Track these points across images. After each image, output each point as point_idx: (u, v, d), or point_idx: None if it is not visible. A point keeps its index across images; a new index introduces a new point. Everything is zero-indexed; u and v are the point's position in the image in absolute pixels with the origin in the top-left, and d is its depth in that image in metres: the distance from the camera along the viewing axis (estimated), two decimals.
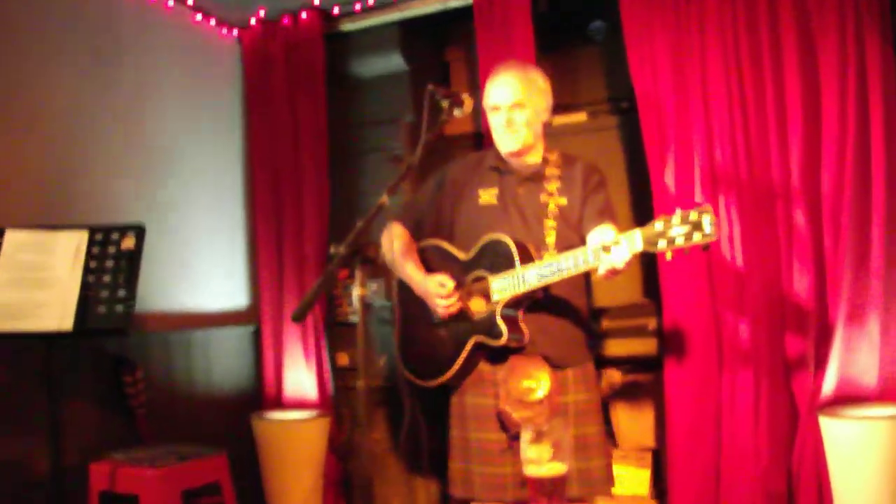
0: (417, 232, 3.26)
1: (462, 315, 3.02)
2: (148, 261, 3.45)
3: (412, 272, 3.14)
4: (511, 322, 2.91)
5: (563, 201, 3.02)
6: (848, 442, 3.20)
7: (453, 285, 2.99)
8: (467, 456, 3.05)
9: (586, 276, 3.13)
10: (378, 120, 4.69)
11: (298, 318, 2.22)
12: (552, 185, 3.04)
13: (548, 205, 3.01)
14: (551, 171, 3.07)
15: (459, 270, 3.07)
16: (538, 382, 2.88)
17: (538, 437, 1.91)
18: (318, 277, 3.60)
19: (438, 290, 2.99)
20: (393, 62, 4.64)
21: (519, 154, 3.06)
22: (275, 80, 4.68)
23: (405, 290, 3.22)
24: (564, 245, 2.92)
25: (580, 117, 4.54)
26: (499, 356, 2.99)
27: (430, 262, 3.18)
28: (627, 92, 4.09)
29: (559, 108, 4.70)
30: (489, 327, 2.92)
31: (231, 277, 4.73)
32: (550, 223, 2.98)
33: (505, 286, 2.89)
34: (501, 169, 3.12)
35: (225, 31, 4.76)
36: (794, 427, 3.56)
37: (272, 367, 4.62)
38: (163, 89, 4.33)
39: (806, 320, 3.53)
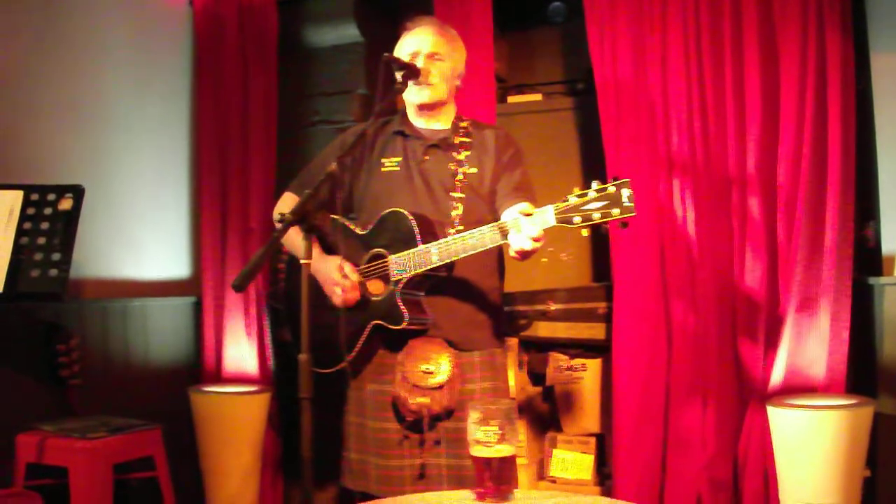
0: None
1: (360, 297, 2.76)
2: (86, 224, 3.34)
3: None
4: (412, 304, 2.68)
5: (473, 171, 2.81)
6: (795, 432, 3.21)
7: (357, 278, 2.73)
8: (363, 446, 2.82)
9: (499, 256, 2.91)
10: (330, 91, 4.59)
11: (239, 286, 2.10)
12: (462, 154, 2.82)
13: (456, 174, 2.79)
14: (461, 138, 2.86)
15: (356, 247, 2.82)
16: (437, 367, 2.65)
17: (485, 419, 1.85)
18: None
19: (338, 279, 2.71)
20: (347, 32, 4.53)
21: (430, 108, 2.86)
22: (226, 45, 4.53)
23: (296, 266, 2.93)
24: (472, 219, 2.71)
25: (535, 97, 4.51)
26: (399, 340, 2.74)
27: (325, 236, 2.91)
28: (584, 73, 4.04)
29: (515, 87, 4.69)
30: (389, 310, 2.69)
31: (173, 247, 4.59)
32: (457, 195, 2.76)
33: (405, 266, 2.65)
34: (407, 133, 2.89)
35: None
36: (742, 416, 3.57)
37: (212, 340, 4.48)
38: (110, 49, 4.19)
39: (756, 310, 3.54)
